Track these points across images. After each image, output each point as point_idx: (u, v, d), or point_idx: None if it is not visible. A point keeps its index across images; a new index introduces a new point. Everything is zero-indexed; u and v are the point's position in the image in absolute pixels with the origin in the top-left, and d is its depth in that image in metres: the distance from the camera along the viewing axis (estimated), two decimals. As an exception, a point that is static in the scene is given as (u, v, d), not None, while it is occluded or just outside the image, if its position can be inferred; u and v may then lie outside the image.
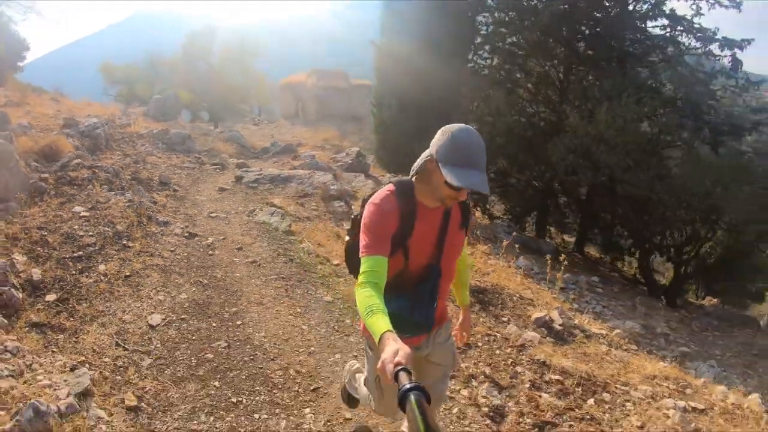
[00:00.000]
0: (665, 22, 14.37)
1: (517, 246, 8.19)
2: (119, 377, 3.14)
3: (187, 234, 5.66)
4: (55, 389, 2.85)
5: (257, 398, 3.10)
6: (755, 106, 14.97)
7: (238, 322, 3.96)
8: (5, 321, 3.45)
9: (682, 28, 14.35)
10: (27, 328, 3.47)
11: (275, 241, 5.89)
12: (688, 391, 4.57)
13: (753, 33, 13.96)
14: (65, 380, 2.99)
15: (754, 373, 7.45)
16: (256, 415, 2.95)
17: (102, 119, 9.86)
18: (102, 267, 4.45)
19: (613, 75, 12.72)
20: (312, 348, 3.74)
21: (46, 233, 4.78)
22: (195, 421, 2.86)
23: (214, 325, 3.88)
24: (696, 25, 14.01)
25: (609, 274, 12.99)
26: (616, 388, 4.22)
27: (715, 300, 13.89)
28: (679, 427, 3.94)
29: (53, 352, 3.34)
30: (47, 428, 2.51)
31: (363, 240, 2.03)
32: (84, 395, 2.87)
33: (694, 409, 4.32)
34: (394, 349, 1.54)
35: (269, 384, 3.26)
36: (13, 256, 4.22)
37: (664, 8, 14.36)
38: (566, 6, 13.41)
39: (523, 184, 14.66)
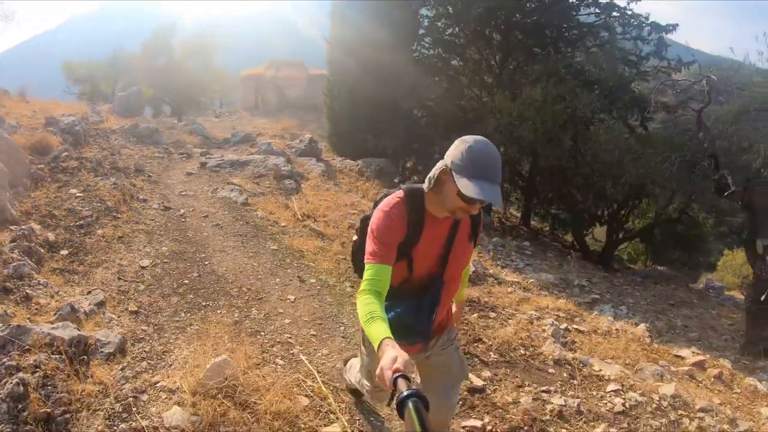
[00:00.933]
0: (598, 10, 16.11)
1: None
2: (123, 296, 4.54)
3: (163, 207, 7.05)
4: (79, 302, 4.26)
5: (219, 302, 4.56)
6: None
7: (206, 263, 5.41)
8: (35, 266, 4.82)
9: (617, 14, 16.10)
10: (50, 272, 4.81)
11: (234, 210, 7.33)
12: (577, 319, 5.52)
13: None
14: (85, 298, 4.40)
15: (663, 317, 8.77)
16: (219, 311, 4.40)
17: (78, 117, 11.08)
18: (100, 231, 5.82)
19: (545, 60, 14.34)
20: (259, 276, 5.22)
21: (52, 209, 6.12)
22: (177, 318, 4.28)
23: (188, 264, 5.31)
24: (628, 12, 15.77)
25: (550, 243, 14.55)
26: (503, 310, 5.22)
27: (663, 268, 14.65)
28: (552, 336, 4.65)
29: (71, 285, 4.72)
30: (78, 320, 3.90)
31: (369, 246, 2.09)
32: (99, 305, 4.24)
33: (576, 330, 5.18)
34: (393, 356, 1.60)
35: (228, 296, 4.72)
36: (30, 224, 5.58)
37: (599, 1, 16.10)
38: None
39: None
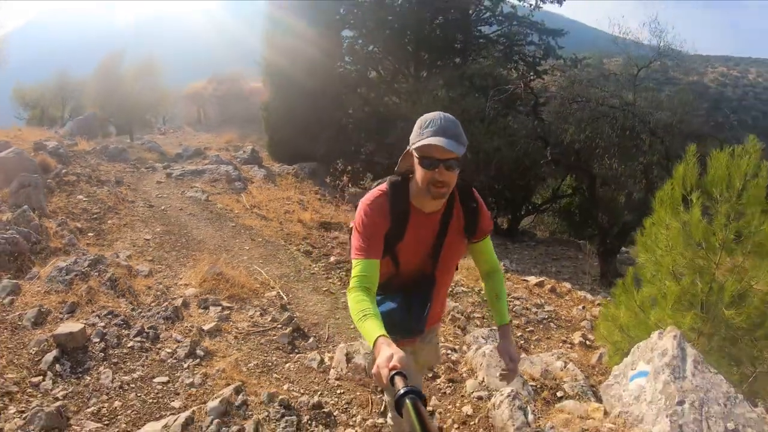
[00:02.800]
0: (501, 18, 19.75)
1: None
2: (139, 254, 7.38)
3: (148, 206, 9.82)
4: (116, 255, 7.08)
5: (203, 253, 7.42)
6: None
7: (188, 235, 8.26)
8: (75, 240, 7.60)
9: (516, 23, 19.75)
10: (86, 245, 7.63)
11: (200, 205, 10.19)
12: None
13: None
14: (116, 254, 7.24)
15: (540, 267, 11.93)
16: (199, 255, 7.33)
17: (58, 142, 13.67)
18: (109, 222, 8.59)
19: (450, 69, 17.70)
20: (225, 240, 8.14)
21: (70, 208, 8.85)
22: (178, 261, 7.13)
23: (176, 236, 8.15)
24: (526, 20, 19.48)
25: None
26: None
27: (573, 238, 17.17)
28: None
29: (103, 250, 7.56)
30: (113, 264, 6.74)
31: (354, 241, 2.14)
32: (128, 257, 7.13)
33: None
34: (389, 354, 1.61)
35: (207, 249, 7.61)
36: (61, 217, 8.33)
37: (497, 13, 19.70)
38: (410, 20, 18.25)
39: (388, 159, 19.19)
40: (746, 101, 66.71)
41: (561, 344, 6.01)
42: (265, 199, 11.29)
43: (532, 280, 8.62)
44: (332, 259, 7.78)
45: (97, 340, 4.01)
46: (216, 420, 3.18)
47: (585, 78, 13.83)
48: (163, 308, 4.90)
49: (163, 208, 9.80)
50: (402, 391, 1.44)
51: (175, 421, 3.05)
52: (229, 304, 5.39)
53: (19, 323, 4.15)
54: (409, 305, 2.30)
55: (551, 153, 11.51)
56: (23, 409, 3.16)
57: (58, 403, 3.14)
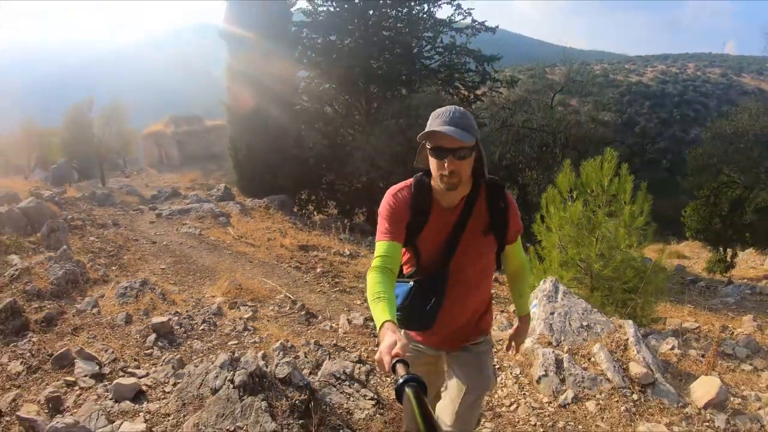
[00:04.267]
0: (441, 49, 22.35)
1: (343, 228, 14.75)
2: (163, 280, 9.27)
3: (152, 242, 11.63)
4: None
5: (214, 276, 9.38)
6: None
7: (196, 263, 10.17)
8: (106, 272, 9.41)
9: (455, 53, 22.32)
10: (114, 276, 9.45)
11: (196, 239, 12.07)
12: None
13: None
14: (139, 282, 9.08)
15: None
16: (212, 276, 9.24)
17: (53, 192, 15.34)
18: (125, 257, 10.40)
19: (398, 100, 20.08)
20: (227, 264, 10.08)
21: (88, 247, 10.67)
22: (197, 282, 9.08)
23: (186, 264, 10.04)
24: (464, 49, 22.06)
25: None
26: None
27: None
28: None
29: (130, 278, 9.39)
30: (155, 285, 8.62)
31: (379, 226, 2.28)
32: (150, 281, 8.99)
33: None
34: (392, 340, 1.66)
35: (216, 272, 9.55)
36: (89, 256, 10.12)
37: (437, 44, 22.28)
38: (359, 59, 20.58)
39: (347, 187, 21.41)
40: (687, 95, 71.36)
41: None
42: (249, 230, 13.26)
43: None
44: (318, 270, 9.88)
45: (177, 327, 5.93)
46: (281, 352, 5.15)
47: (510, 104, 16.45)
48: (207, 309, 6.85)
49: (165, 243, 11.65)
50: (403, 379, 1.46)
51: (257, 353, 4.96)
52: (253, 304, 7.36)
53: (114, 323, 6.05)
54: (419, 294, 2.37)
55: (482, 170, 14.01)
56: (152, 364, 5.07)
57: (175, 358, 5.07)
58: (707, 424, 4.01)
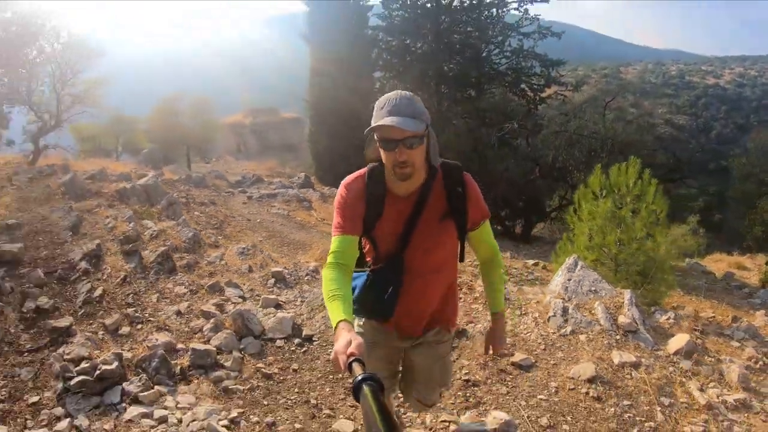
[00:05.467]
0: (509, 54, 24.17)
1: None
2: (258, 247, 11.44)
3: (246, 220, 13.89)
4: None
5: (301, 247, 11.48)
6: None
7: (287, 237, 12.33)
8: (216, 241, 11.63)
9: (522, 56, 24.10)
10: (222, 245, 11.67)
11: (285, 218, 14.26)
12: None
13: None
14: (250, 246, 11.26)
15: (543, 256, 15.97)
16: (301, 249, 11.34)
17: (153, 173, 17.92)
18: (227, 230, 12.65)
19: (467, 101, 21.99)
20: (314, 239, 12.19)
21: (196, 220, 12.96)
22: (291, 252, 11.19)
23: (278, 238, 12.18)
24: (531, 53, 23.81)
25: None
26: None
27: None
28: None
29: (235, 245, 11.60)
30: (253, 254, 10.77)
31: (334, 220, 2.35)
32: (258, 246, 11.15)
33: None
34: (347, 339, 1.74)
35: (302, 246, 11.63)
36: (198, 227, 12.39)
37: (505, 49, 24.07)
38: (431, 62, 22.61)
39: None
40: (766, 99, 69.79)
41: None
42: (329, 214, 15.38)
43: (530, 261, 12.47)
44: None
45: (288, 276, 7.98)
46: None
47: (568, 110, 18.13)
48: (306, 268, 8.90)
49: (258, 221, 13.88)
50: (360, 378, 1.51)
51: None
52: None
53: (240, 271, 8.16)
54: (377, 284, 2.48)
55: (539, 170, 15.69)
56: (275, 295, 7.12)
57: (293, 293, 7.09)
58: (672, 364, 5.64)
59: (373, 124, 2.15)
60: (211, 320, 5.56)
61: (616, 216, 8.05)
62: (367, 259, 2.54)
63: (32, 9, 14.16)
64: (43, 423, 4.02)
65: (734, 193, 21.90)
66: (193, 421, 3.89)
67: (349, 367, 1.62)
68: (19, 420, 4.12)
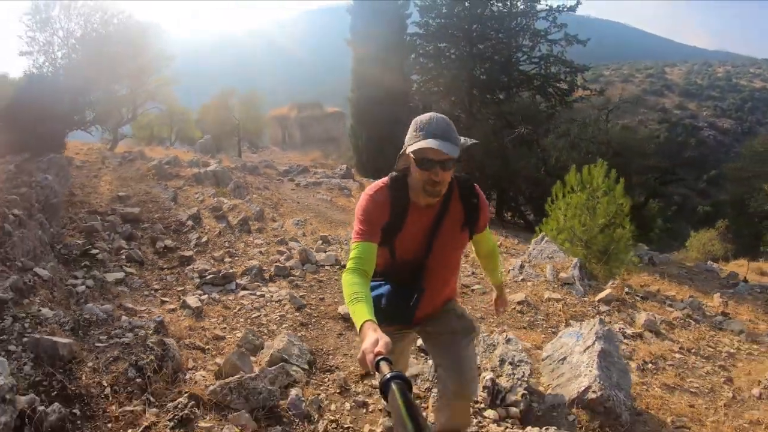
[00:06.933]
0: (537, 60, 27.30)
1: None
2: (305, 223, 14.80)
3: (296, 203, 17.28)
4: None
5: (341, 225, 14.79)
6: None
7: (329, 217, 15.68)
8: (274, 217, 15.03)
9: (551, 62, 27.19)
10: (278, 219, 15.08)
11: (328, 203, 17.60)
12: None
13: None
14: (302, 220, 14.64)
15: None
16: (341, 227, 14.65)
17: (214, 161, 21.48)
18: (281, 209, 16.05)
19: (495, 104, 25.17)
20: (348, 218, 15.52)
21: (257, 200, 16.40)
22: (333, 228, 14.54)
23: (323, 217, 15.49)
24: (559, 59, 26.90)
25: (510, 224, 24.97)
26: None
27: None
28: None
29: (278, 220, 15.01)
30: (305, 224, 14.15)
31: (355, 227, 2.54)
32: (308, 220, 14.53)
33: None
34: (374, 339, 1.82)
35: (342, 224, 14.93)
36: (261, 205, 15.84)
37: (533, 55, 27.18)
38: (463, 67, 25.83)
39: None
40: None
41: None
42: (365, 201, 18.74)
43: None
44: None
45: (331, 240, 11.26)
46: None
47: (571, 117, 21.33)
48: (345, 237, 12.17)
49: (306, 204, 17.23)
50: (388, 376, 1.59)
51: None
52: (372, 238, 12.61)
53: (297, 235, 11.52)
54: (398, 295, 2.73)
55: (544, 169, 18.82)
56: (323, 247, 10.43)
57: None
58: (593, 306, 8.45)
59: (413, 144, 2.36)
60: (284, 255, 8.96)
61: (586, 206, 11.06)
62: (378, 266, 2.64)
63: (130, 23, 17.65)
64: (191, 296, 7.37)
65: (730, 195, 24.07)
66: (278, 294, 7.25)
67: (377, 366, 1.71)
68: (174, 294, 7.48)
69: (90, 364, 4.29)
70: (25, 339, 4.54)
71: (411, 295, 2.74)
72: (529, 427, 4.33)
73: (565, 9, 27.04)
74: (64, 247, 8.29)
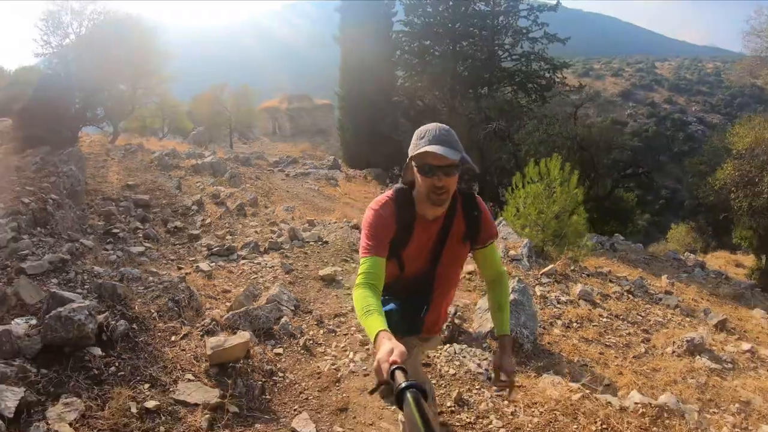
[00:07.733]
0: (517, 57, 29.26)
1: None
2: (294, 210, 16.69)
3: (286, 191, 19.15)
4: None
5: (327, 212, 16.71)
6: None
7: (317, 205, 17.58)
8: (266, 203, 16.92)
9: (533, 58, 29.13)
10: (270, 206, 16.96)
11: (316, 192, 19.50)
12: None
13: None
14: (291, 206, 16.54)
15: None
16: (326, 213, 16.57)
17: (209, 152, 23.30)
18: (272, 197, 17.91)
19: (474, 99, 27.12)
20: (338, 207, 17.44)
21: (248, 189, 18.27)
22: (320, 215, 16.44)
23: (310, 205, 17.39)
24: (540, 55, 28.85)
25: (492, 213, 27.02)
26: None
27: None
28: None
29: (270, 207, 16.90)
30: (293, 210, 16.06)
31: (362, 241, 2.55)
32: (296, 207, 16.41)
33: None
34: (389, 348, 1.84)
35: (327, 211, 16.85)
36: (255, 193, 17.70)
37: (513, 53, 29.14)
38: (446, 63, 27.76)
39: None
40: None
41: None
42: (351, 190, 20.67)
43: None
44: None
45: (317, 223, 13.17)
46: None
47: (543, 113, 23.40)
48: (330, 221, 14.05)
49: (295, 192, 19.10)
50: (403, 385, 1.61)
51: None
52: (355, 225, 14.48)
53: (285, 219, 13.42)
54: (407, 308, 2.79)
55: (515, 162, 20.78)
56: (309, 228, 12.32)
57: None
58: (536, 279, 10.25)
59: (416, 151, 2.43)
60: (276, 233, 10.89)
61: (544, 195, 12.85)
62: (386, 278, 2.61)
63: (136, 26, 19.40)
64: (202, 262, 9.26)
65: (693, 188, 24.65)
66: (271, 262, 9.19)
67: (392, 375, 1.71)
68: (188, 263, 9.36)
69: (139, 300, 6.17)
70: (86, 286, 6.45)
71: (421, 306, 2.87)
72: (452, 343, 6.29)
73: (546, 8, 28.96)
74: (89, 227, 10.18)
